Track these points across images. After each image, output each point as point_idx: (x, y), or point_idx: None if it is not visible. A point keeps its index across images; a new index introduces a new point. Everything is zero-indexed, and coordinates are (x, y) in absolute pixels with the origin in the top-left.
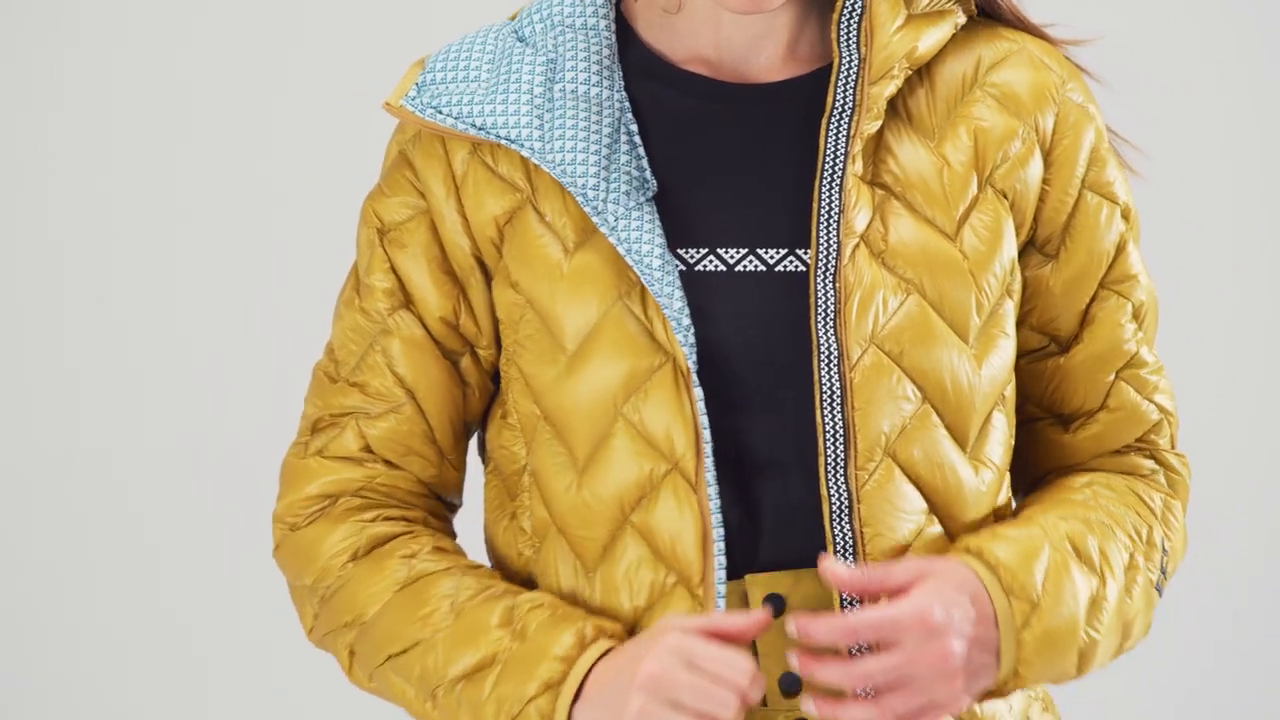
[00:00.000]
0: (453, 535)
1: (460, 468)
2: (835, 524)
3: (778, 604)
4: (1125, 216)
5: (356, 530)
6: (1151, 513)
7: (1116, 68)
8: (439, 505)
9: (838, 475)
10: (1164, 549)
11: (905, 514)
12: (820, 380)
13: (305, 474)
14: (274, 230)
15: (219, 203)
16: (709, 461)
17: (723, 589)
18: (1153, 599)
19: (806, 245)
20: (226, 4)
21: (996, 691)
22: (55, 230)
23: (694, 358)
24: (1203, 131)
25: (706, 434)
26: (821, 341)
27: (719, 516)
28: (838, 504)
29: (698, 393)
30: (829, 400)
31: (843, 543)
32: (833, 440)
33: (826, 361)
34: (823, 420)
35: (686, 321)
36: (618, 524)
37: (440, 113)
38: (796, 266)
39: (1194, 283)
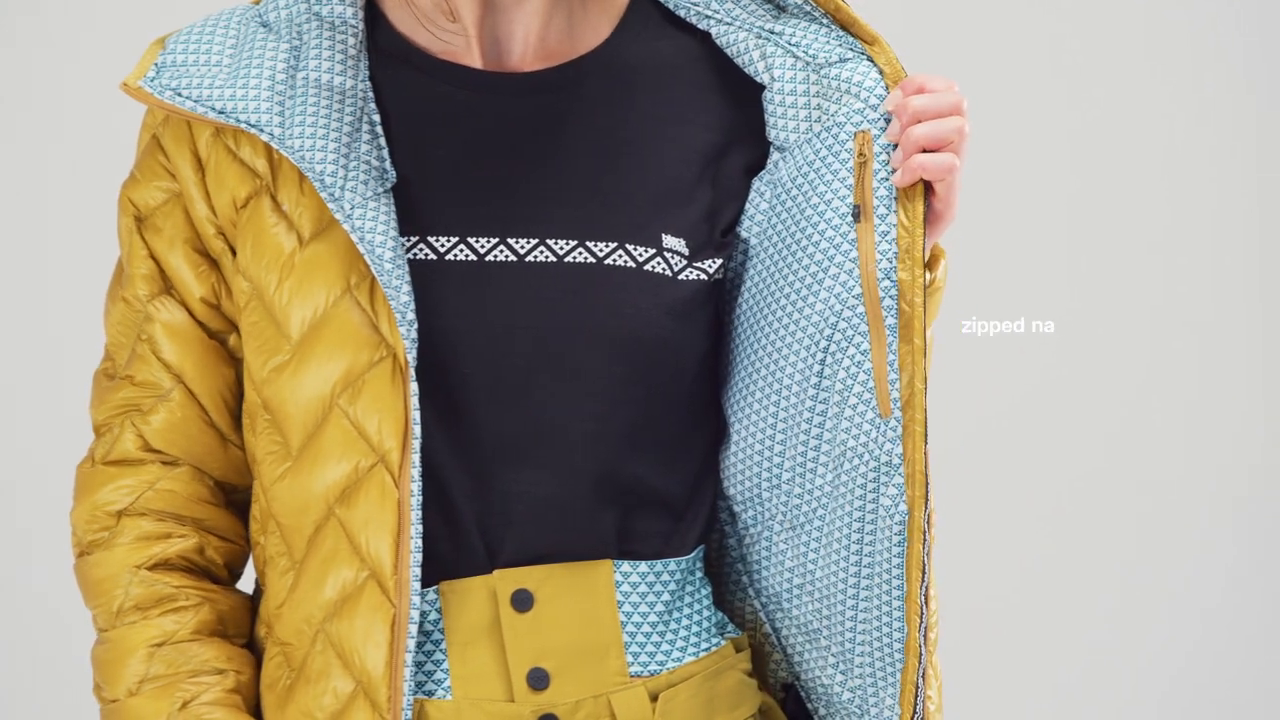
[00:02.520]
0: (228, 556)
1: (245, 447)
2: None
3: (525, 600)
4: None
5: (128, 579)
6: None
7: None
8: (217, 515)
9: None
10: None
11: None
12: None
13: (90, 483)
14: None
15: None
16: (415, 458)
17: (417, 585)
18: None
19: (558, 235)
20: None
21: (933, 255)
22: None
23: (414, 352)
24: (1183, 130)
25: (417, 429)
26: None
27: (419, 514)
28: None
29: (413, 387)
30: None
31: None
32: None
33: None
34: None
35: (411, 316)
36: (323, 516)
37: (180, 95)
38: (547, 257)
39: (1184, 281)
